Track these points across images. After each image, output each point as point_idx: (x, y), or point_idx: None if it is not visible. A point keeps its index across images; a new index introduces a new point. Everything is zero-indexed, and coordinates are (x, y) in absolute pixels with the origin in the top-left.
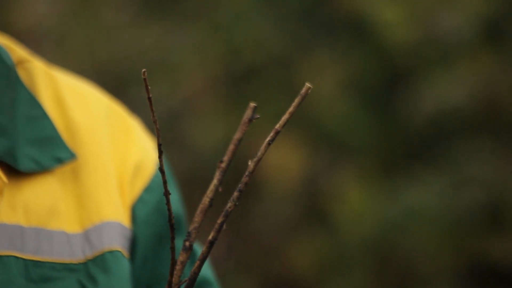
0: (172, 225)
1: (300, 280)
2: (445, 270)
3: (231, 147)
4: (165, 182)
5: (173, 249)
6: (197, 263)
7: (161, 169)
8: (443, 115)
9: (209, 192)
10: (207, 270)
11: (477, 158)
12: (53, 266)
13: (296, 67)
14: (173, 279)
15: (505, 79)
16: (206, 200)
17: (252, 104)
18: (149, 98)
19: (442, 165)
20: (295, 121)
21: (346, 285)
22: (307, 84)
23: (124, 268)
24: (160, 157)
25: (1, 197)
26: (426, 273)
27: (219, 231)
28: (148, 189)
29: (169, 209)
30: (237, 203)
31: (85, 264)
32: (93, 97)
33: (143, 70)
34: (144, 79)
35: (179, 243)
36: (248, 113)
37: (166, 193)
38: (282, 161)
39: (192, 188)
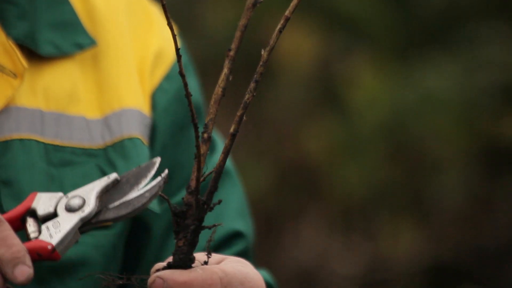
0: (195, 124)
1: (314, 164)
2: (459, 153)
3: (238, 34)
4: (185, 85)
5: (198, 147)
6: (221, 156)
7: (180, 73)
8: None
9: (221, 82)
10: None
11: (493, 41)
12: (73, 150)
13: None
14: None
15: None
16: (218, 90)
17: None
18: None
19: (458, 48)
20: (309, 6)
21: (359, 169)
22: None
23: (143, 155)
24: (179, 61)
25: (21, 81)
26: (439, 157)
27: (239, 123)
28: (168, 78)
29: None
30: (254, 94)
31: (104, 149)
32: None
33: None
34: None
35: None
36: None
37: (188, 95)
38: (296, 46)
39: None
